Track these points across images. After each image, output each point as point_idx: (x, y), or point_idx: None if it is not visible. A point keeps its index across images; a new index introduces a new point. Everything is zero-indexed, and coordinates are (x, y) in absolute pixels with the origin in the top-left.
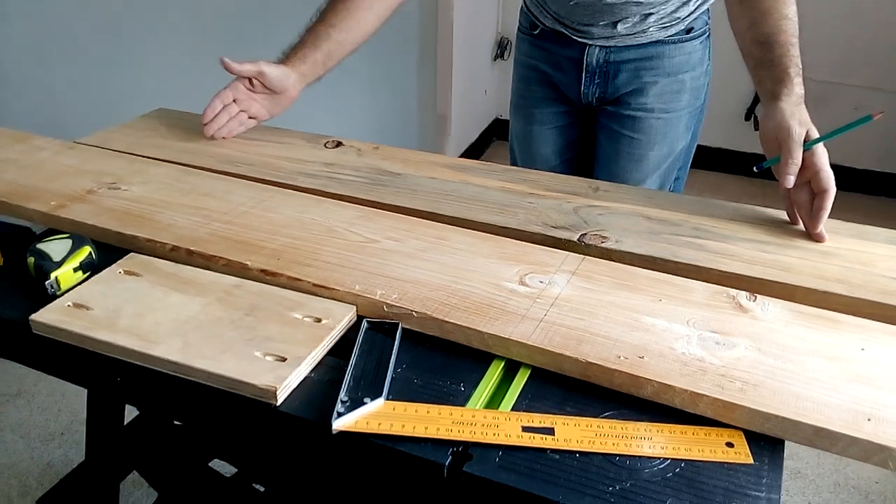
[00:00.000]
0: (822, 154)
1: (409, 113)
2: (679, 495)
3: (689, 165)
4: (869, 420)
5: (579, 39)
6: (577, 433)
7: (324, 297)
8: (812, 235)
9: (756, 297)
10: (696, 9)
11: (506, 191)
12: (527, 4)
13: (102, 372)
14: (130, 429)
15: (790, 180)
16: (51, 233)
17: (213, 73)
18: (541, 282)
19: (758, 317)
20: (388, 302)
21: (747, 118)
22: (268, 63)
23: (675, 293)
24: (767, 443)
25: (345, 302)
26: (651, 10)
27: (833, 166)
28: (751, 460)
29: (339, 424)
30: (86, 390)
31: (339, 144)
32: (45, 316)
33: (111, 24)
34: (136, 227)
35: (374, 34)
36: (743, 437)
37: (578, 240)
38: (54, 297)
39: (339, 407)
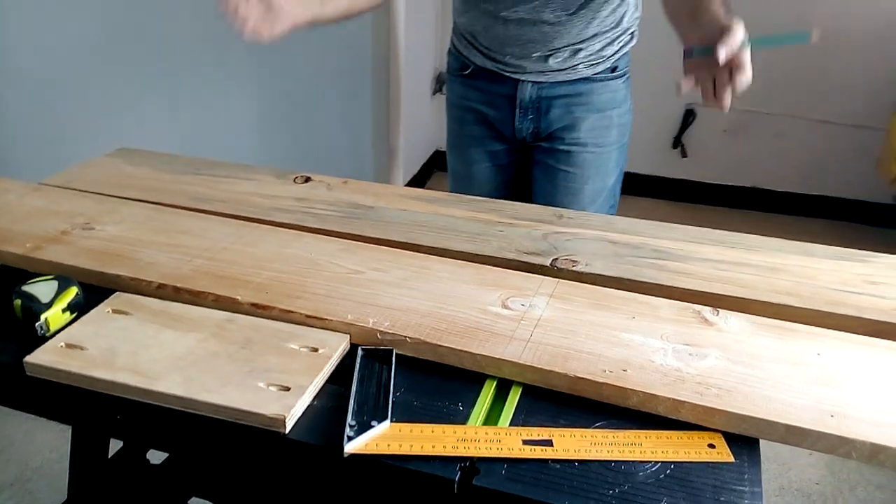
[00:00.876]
0: (748, 53)
1: (364, 147)
2: (673, 494)
3: (617, 202)
4: (832, 416)
5: (512, 76)
6: (573, 443)
7: (317, 328)
8: (719, 105)
9: (719, 311)
10: (619, 48)
11: (476, 220)
12: (455, 46)
13: (100, 411)
14: (108, 469)
15: (723, 53)
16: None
17: (164, 110)
18: (522, 305)
19: (723, 329)
20: (381, 329)
21: (675, 146)
22: None
23: (645, 311)
24: (744, 442)
25: (338, 331)
26: (581, 46)
27: (757, 189)
28: (732, 459)
29: (350, 447)
30: (34, 439)
31: (307, 179)
32: (40, 357)
33: (58, 62)
34: (117, 266)
35: (364, 12)
36: (722, 438)
37: (551, 264)
38: (44, 338)
39: (348, 431)
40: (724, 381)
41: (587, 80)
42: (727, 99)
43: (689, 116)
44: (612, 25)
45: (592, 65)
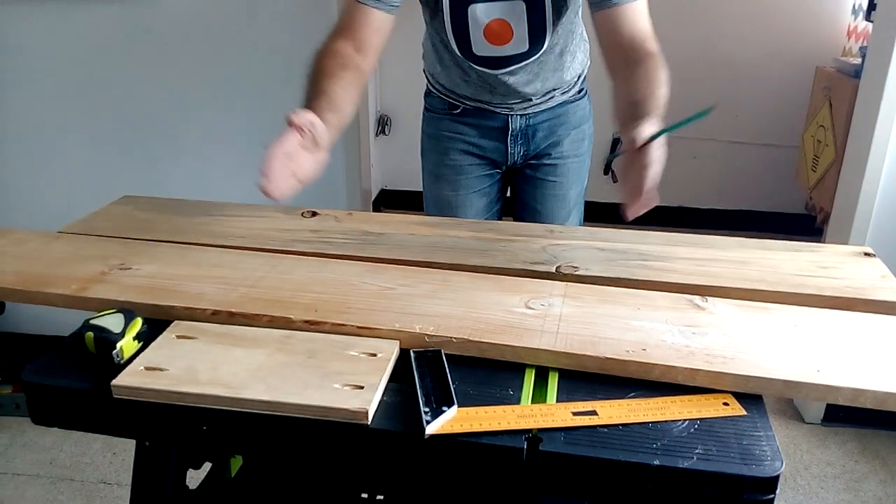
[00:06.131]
0: (656, 150)
1: (339, 191)
2: (704, 443)
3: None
4: (818, 371)
5: (502, 112)
6: (615, 411)
7: (368, 337)
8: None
9: (707, 298)
10: (582, 75)
11: (479, 239)
12: (440, 92)
13: (186, 424)
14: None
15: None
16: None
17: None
18: (542, 305)
19: (713, 312)
20: (428, 333)
21: (605, 172)
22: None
23: (646, 302)
24: (751, 399)
25: (388, 339)
26: (556, 85)
27: (683, 208)
28: (744, 412)
29: (430, 429)
30: (25, 494)
31: (314, 214)
32: (126, 380)
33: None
34: (169, 298)
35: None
36: (733, 397)
37: (556, 271)
38: (120, 366)
39: (426, 417)
40: (725, 351)
41: (564, 104)
42: (636, 205)
43: (616, 144)
44: (574, 62)
45: (565, 92)
